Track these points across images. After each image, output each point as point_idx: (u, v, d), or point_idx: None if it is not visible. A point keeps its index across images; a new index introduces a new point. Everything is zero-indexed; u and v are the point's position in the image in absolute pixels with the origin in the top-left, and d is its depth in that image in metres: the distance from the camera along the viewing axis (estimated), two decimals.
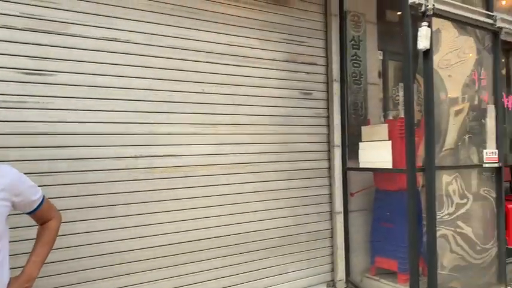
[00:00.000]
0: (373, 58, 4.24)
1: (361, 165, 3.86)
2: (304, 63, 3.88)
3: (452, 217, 3.81)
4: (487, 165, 3.89)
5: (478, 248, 3.98)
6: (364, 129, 3.91)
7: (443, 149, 4.01)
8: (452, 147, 3.98)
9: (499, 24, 3.99)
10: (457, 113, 4.12)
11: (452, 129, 4.05)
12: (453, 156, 4.05)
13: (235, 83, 3.47)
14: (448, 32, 4.03)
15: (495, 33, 4.04)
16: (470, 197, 3.97)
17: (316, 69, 3.95)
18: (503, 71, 7.18)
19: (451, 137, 4.01)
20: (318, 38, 3.98)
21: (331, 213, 3.99)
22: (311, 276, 3.84)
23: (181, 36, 3.24)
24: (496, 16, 3.97)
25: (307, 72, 3.90)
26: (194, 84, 3.28)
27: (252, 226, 3.53)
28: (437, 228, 3.65)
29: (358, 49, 4.12)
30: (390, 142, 3.62)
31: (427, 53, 3.44)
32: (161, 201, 3.13)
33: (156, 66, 3.14)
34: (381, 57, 4.52)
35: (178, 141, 3.20)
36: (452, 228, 3.79)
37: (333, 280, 3.96)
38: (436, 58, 3.78)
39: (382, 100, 4.98)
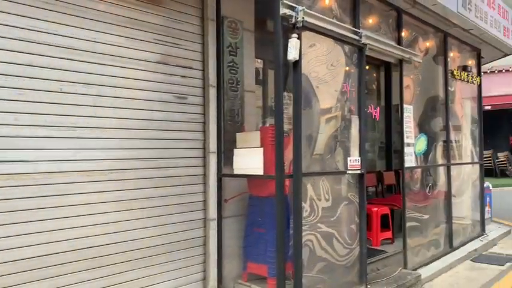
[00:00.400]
0: (250, 66, 4.28)
1: (236, 172, 3.87)
2: (179, 66, 3.77)
3: (319, 221, 4.00)
4: (350, 172, 4.16)
5: (343, 249, 4.23)
6: (238, 136, 3.92)
7: (314, 153, 4.20)
8: (321, 153, 4.19)
9: (364, 40, 4.30)
10: (328, 121, 4.35)
11: (322, 137, 4.26)
12: (322, 162, 4.27)
13: (99, 82, 3.22)
14: (321, 44, 4.25)
15: (360, 48, 4.36)
16: (337, 201, 4.21)
17: (192, 73, 3.86)
18: (375, 85, 7.88)
19: (320, 145, 4.22)
20: (194, 41, 3.90)
21: (205, 220, 3.92)
22: (181, 286, 3.72)
23: (35, 29, 2.91)
24: (362, 33, 4.29)
25: (183, 76, 3.79)
26: (49, 82, 2.97)
27: (115, 237, 3.30)
28: (304, 233, 3.80)
29: (236, 56, 4.13)
30: (262, 149, 3.68)
31: (296, 64, 3.56)
32: (4, 212, 2.76)
33: (3, 61, 2.77)
34: (261, 65, 4.60)
35: (28, 145, 2.86)
36: (319, 232, 3.98)
37: None
38: (309, 69, 3.96)
39: (261, 107, 5.09)
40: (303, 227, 3.83)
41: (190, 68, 3.85)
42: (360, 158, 4.27)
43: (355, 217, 4.33)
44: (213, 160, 3.91)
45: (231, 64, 4.08)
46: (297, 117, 3.56)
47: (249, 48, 4.25)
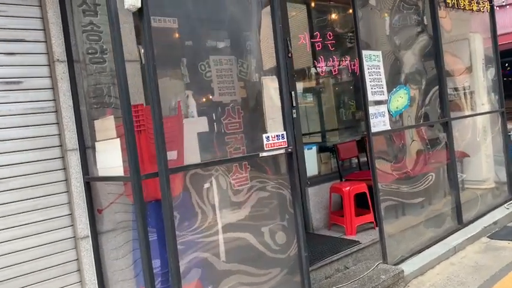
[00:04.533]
0: (125, 27, 3.20)
1: (100, 173, 2.88)
2: (3, 40, 2.78)
3: (225, 226, 2.96)
4: (266, 153, 3.03)
5: (270, 258, 3.18)
6: (97, 124, 2.91)
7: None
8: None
9: None
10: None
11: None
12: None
13: None
14: None
15: None
16: (255, 194, 3.14)
17: (26, 48, 2.86)
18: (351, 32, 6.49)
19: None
20: (26, 4, 2.88)
21: (75, 240, 3.00)
22: None
23: None
24: None
25: (11, 53, 2.81)
26: None
27: None
28: (196, 247, 2.80)
29: (96, 16, 3.07)
30: (118, 140, 2.66)
31: (141, 14, 2.48)
32: None
33: None
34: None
35: None
36: (225, 242, 2.94)
37: None
38: None
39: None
40: (197, 238, 2.84)
41: (22, 41, 2.85)
42: (285, 133, 3.13)
43: (286, 211, 3.23)
44: (73, 160, 2.94)
45: (89, 28, 3.04)
46: (152, 89, 2.50)
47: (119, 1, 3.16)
